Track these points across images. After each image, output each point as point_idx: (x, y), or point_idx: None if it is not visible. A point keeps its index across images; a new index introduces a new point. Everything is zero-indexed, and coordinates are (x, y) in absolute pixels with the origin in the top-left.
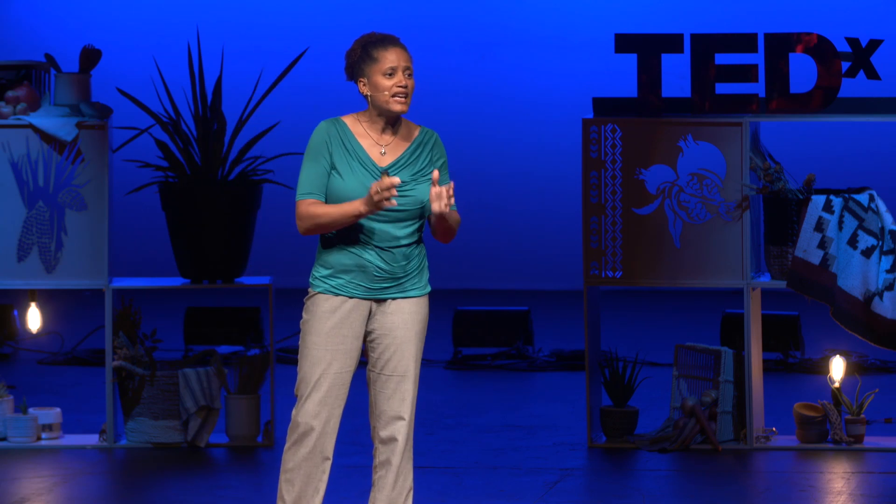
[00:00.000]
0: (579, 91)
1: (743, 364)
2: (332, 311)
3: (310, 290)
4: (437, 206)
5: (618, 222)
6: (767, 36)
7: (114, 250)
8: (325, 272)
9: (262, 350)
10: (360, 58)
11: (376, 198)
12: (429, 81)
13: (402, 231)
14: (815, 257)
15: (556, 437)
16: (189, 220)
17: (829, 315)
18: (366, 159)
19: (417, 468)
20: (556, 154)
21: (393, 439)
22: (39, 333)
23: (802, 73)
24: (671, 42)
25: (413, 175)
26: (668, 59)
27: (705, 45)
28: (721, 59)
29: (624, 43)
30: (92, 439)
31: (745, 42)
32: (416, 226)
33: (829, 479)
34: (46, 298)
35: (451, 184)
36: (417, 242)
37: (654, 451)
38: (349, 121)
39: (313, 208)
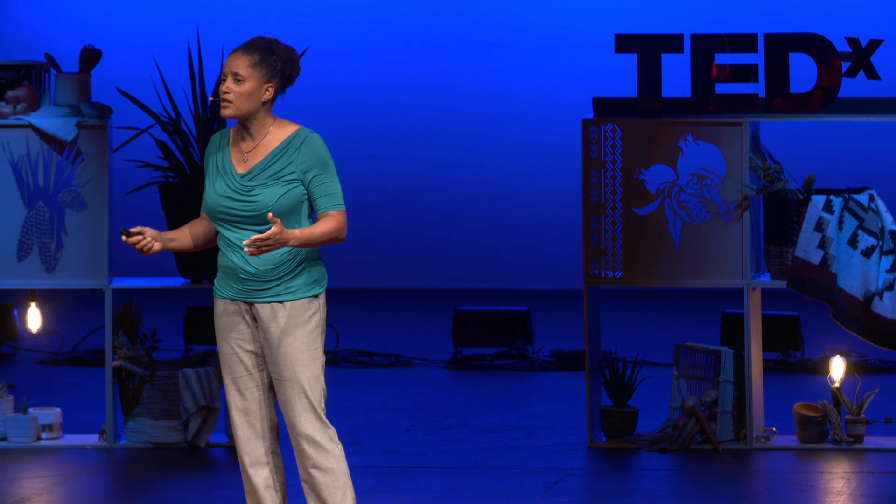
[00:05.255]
0: (579, 91)
1: (743, 364)
2: (219, 313)
3: None
4: (248, 251)
5: (618, 222)
6: (767, 36)
7: (114, 250)
8: (219, 275)
9: None
10: None
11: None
12: (429, 81)
13: (258, 234)
14: (815, 257)
15: (556, 437)
16: (189, 220)
17: (829, 315)
18: (228, 167)
19: (418, 468)
20: (556, 154)
21: (297, 444)
22: (39, 333)
23: (802, 73)
24: (671, 42)
25: (266, 179)
26: (668, 59)
27: (705, 45)
28: (721, 59)
29: (624, 43)
30: (92, 439)
31: (745, 42)
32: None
33: (829, 479)
34: (46, 298)
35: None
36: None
37: (654, 451)
38: (233, 130)
39: (193, 223)
